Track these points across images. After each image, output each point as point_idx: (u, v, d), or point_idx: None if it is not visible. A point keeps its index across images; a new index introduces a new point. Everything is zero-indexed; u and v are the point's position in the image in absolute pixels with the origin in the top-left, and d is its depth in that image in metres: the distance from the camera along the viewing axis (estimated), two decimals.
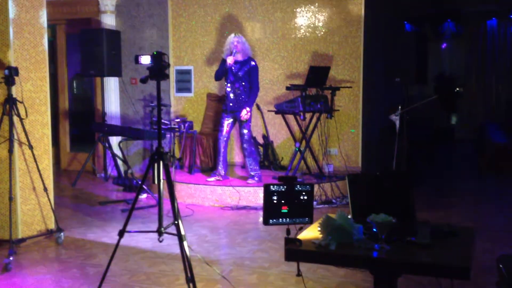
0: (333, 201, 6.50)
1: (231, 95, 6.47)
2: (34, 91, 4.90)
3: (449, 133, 11.78)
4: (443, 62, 12.38)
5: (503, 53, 11.43)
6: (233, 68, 6.42)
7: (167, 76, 3.43)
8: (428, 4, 10.68)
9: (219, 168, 6.68)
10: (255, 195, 6.35)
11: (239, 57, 6.44)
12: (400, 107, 6.55)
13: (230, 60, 6.34)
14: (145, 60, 3.39)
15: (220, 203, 6.44)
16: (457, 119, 12.43)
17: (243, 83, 6.43)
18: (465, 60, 12.00)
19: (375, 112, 7.99)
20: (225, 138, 6.63)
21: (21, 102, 4.60)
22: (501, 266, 3.13)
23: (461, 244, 2.63)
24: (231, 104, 6.48)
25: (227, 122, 6.59)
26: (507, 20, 11.34)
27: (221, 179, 6.68)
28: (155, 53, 3.37)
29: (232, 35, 6.49)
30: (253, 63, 6.47)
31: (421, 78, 6.71)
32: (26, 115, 4.65)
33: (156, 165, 3.41)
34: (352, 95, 7.55)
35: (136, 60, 3.40)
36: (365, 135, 7.65)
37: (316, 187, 6.45)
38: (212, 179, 6.67)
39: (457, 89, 12.29)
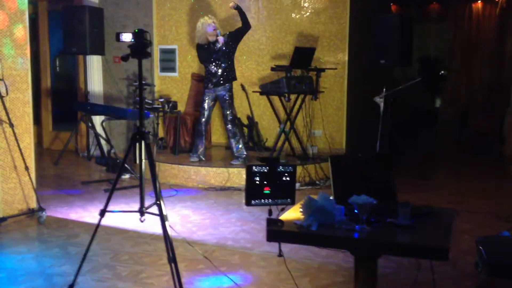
0: (317, 182, 6.52)
1: (219, 71, 6.46)
2: (15, 69, 4.82)
3: (433, 116, 11.84)
4: (428, 44, 12.40)
5: (487, 36, 11.47)
6: (215, 46, 6.42)
7: (148, 55, 3.38)
8: None
9: (200, 149, 6.68)
10: (239, 176, 6.35)
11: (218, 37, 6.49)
12: (384, 89, 6.55)
13: (222, 40, 6.41)
14: (126, 37, 3.34)
15: (204, 184, 6.44)
16: (441, 101, 12.50)
17: (226, 58, 6.49)
18: (450, 43, 12.02)
19: (359, 94, 8.00)
20: (207, 120, 6.65)
21: (2, 80, 4.52)
22: (480, 247, 3.17)
23: (441, 225, 2.66)
24: (215, 80, 6.49)
25: (209, 103, 6.60)
26: (492, 2, 11.35)
27: (203, 159, 6.69)
28: (136, 30, 3.32)
29: (206, 18, 6.46)
30: (227, 33, 6.57)
31: (406, 60, 6.70)
32: (7, 93, 4.58)
33: (137, 144, 3.38)
34: (337, 77, 7.54)
35: (117, 38, 3.35)
36: (349, 117, 7.67)
37: (300, 168, 6.46)
38: (196, 159, 6.67)
39: (442, 72, 12.34)
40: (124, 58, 3.37)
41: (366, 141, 7.16)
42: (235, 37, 6.55)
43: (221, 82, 6.50)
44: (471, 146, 9.04)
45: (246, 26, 6.52)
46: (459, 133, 10.11)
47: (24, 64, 4.91)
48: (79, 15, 7.39)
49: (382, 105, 6.58)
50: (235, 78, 6.63)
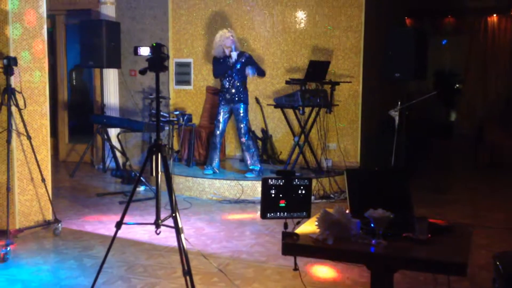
0: (331, 196, 6.50)
1: (231, 89, 6.47)
2: (33, 82, 4.88)
3: (448, 129, 11.78)
4: (443, 58, 12.35)
5: (503, 50, 11.41)
6: (229, 62, 6.44)
7: (166, 68, 3.42)
8: None
9: (215, 162, 6.69)
10: (253, 189, 6.35)
11: (235, 51, 6.48)
12: (399, 102, 6.53)
13: (235, 56, 6.42)
14: (144, 51, 3.38)
15: (218, 197, 6.44)
16: (456, 115, 12.42)
17: (240, 76, 6.47)
18: (465, 56, 11.97)
19: (374, 107, 7.98)
20: (222, 133, 6.66)
21: (20, 92, 4.58)
22: (497, 263, 3.13)
23: (458, 240, 2.63)
24: (228, 96, 6.49)
25: (224, 116, 6.61)
26: (507, 16, 11.30)
27: (217, 171, 6.70)
28: (154, 44, 3.36)
29: (225, 30, 6.50)
30: (247, 54, 6.57)
31: (421, 73, 6.70)
32: (25, 106, 4.64)
33: (154, 157, 3.40)
34: (351, 90, 7.54)
35: (135, 52, 3.39)
36: (364, 130, 7.65)
37: (314, 181, 6.44)
38: (210, 172, 6.68)
39: (457, 85, 12.27)
40: (142, 72, 3.41)
41: (381, 154, 7.13)
42: (245, 66, 6.49)
43: (235, 99, 6.51)
44: (487, 160, 8.95)
45: (261, 75, 6.61)
46: (474, 146, 10.02)
47: (42, 77, 4.97)
48: (96, 29, 7.48)
49: (397, 118, 6.56)
50: (246, 100, 6.61)
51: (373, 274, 2.60)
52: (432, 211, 5.54)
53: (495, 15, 11.40)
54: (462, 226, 2.90)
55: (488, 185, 7.67)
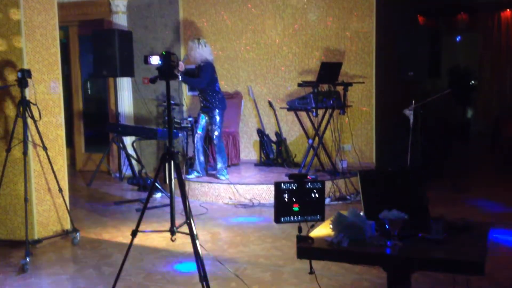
0: (347, 197, 6.47)
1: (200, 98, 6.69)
2: (47, 93, 4.94)
3: (465, 127, 11.65)
4: (457, 55, 12.24)
5: None
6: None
7: (176, 76, 3.44)
8: None
9: (196, 165, 6.78)
10: (268, 193, 6.35)
11: (194, 63, 6.56)
12: (413, 101, 6.49)
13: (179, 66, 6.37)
14: (154, 60, 3.40)
15: (234, 201, 6.45)
16: (472, 112, 12.29)
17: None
18: (480, 53, 11.85)
19: (388, 107, 7.94)
20: (200, 136, 6.69)
21: (35, 104, 4.63)
22: None
23: (476, 239, 2.60)
24: (201, 105, 6.68)
25: (201, 121, 6.68)
26: None
27: (200, 175, 6.79)
28: (164, 53, 3.38)
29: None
30: (202, 64, 6.48)
31: (435, 71, 6.65)
32: (40, 117, 4.69)
33: (167, 164, 3.42)
34: (365, 91, 7.50)
35: (145, 61, 3.41)
36: (378, 130, 7.60)
37: (329, 183, 6.42)
38: (192, 175, 6.76)
39: (472, 82, 12.15)
40: (153, 80, 3.43)
41: (396, 154, 7.08)
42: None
43: (204, 110, 6.62)
44: (505, 156, 8.84)
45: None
46: (491, 143, 9.91)
47: (56, 88, 5.03)
48: (108, 38, 7.54)
49: (411, 117, 6.51)
50: (211, 109, 6.58)
51: (390, 276, 2.59)
52: (451, 210, 5.49)
53: (508, 10, 11.28)
54: (480, 224, 2.87)
55: (507, 183, 7.58)
